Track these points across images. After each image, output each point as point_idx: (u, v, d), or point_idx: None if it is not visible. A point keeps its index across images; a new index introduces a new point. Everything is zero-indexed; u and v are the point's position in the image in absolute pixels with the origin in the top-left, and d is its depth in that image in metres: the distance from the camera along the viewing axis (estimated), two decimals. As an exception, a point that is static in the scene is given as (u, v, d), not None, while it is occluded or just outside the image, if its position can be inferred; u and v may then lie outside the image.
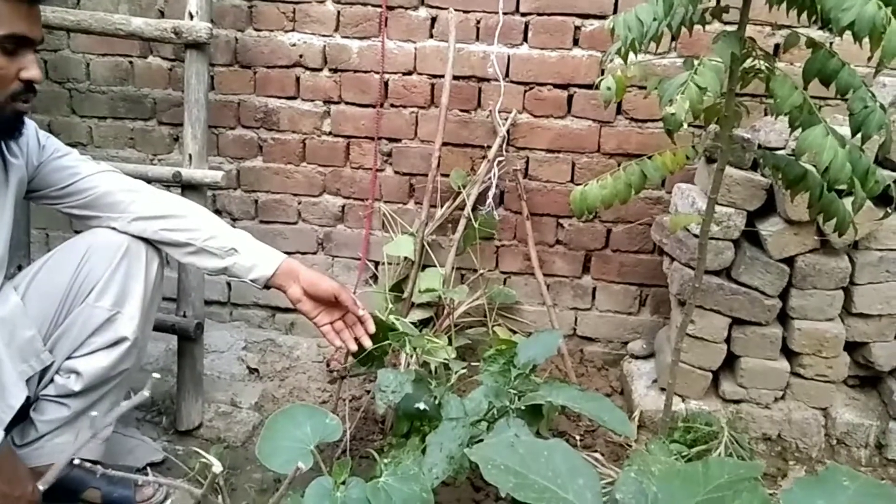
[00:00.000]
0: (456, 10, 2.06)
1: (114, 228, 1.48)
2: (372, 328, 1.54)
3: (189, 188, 1.92)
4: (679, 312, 1.91)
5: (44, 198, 1.50)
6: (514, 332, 2.22)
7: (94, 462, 1.27)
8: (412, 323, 1.95)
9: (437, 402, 1.47)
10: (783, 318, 1.89)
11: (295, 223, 2.32)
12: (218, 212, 2.33)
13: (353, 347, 1.54)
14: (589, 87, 2.08)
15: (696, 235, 1.75)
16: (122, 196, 1.50)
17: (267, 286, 1.51)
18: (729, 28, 1.45)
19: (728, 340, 1.90)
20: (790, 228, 1.78)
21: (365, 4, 2.11)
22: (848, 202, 1.40)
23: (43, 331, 1.43)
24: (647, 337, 2.20)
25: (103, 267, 1.44)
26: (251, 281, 1.51)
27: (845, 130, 1.32)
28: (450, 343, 1.92)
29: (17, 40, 1.22)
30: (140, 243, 1.49)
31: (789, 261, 1.82)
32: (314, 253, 2.33)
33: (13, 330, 1.38)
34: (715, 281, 1.85)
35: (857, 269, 1.83)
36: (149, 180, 2.11)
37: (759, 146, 1.83)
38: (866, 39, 1.14)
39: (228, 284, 2.38)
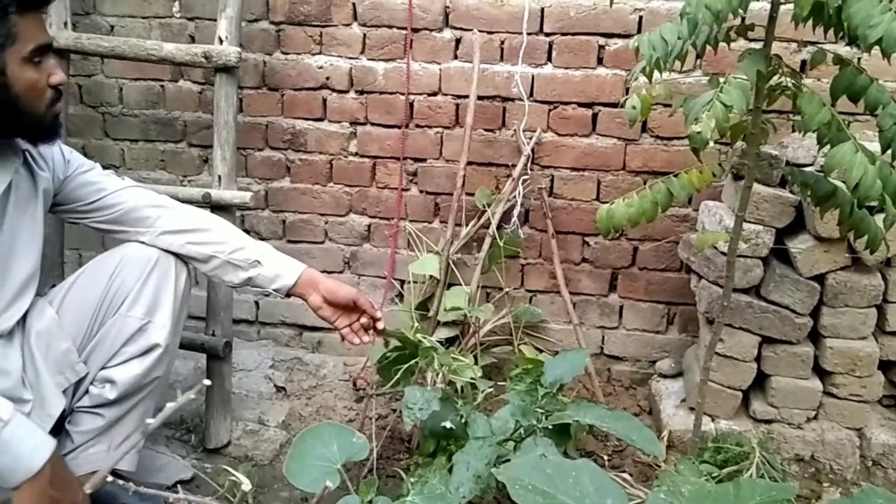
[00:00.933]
0: (480, 31, 2.08)
1: (142, 242, 1.52)
2: (382, 325, 1.59)
3: (218, 209, 1.96)
4: (707, 331, 1.89)
5: (71, 212, 1.54)
6: (541, 351, 2.21)
7: (126, 479, 1.29)
8: (438, 341, 1.95)
9: (463, 420, 1.47)
10: (815, 336, 1.86)
11: (322, 242, 2.35)
12: (247, 231, 2.35)
13: (367, 340, 1.59)
14: (614, 105, 2.08)
15: (723, 253, 1.74)
16: (148, 211, 1.54)
17: (288, 294, 1.56)
18: (754, 45, 1.45)
19: (758, 359, 1.87)
20: (820, 246, 1.75)
21: (390, 27, 2.14)
22: (879, 219, 1.38)
23: (77, 342, 1.48)
24: (675, 356, 2.18)
25: (134, 279, 1.48)
26: (274, 290, 1.55)
27: (875, 146, 1.31)
28: (476, 362, 1.92)
29: (41, 50, 1.27)
30: (169, 256, 1.53)
31: (820, 278, 1.80)
32: (341, 272, 2.35)
33: (49, 343, 1.43)
34: (744, 299, 1.83)
35: (890, 287, 1.80)
36: (179, 201, 2.16)
37: (787, 163, 1.81)
38: (895, 55, 1.13)
39: (256, 303, 2.41)
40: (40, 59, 1.28)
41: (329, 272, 2.35)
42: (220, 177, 1.98)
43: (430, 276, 2.14)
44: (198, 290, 2.30)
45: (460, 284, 2.16)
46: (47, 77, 1.29)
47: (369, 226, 2.31)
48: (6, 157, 1.35)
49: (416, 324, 2.09)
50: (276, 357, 2.32)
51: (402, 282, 2.31)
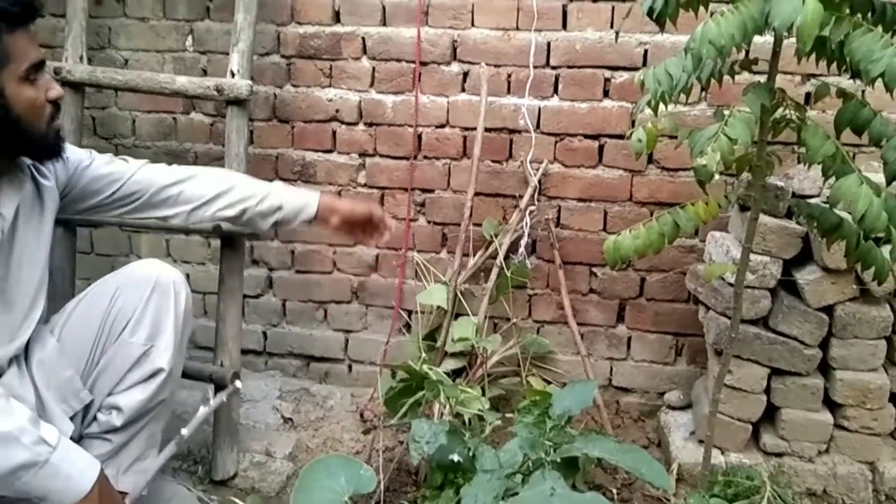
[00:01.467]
0: (487, 64, 2.11)
1: (165, 219, 1.59)
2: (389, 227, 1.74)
3: (228, 239, 1.97)
4: (716, 362, 1.88)
5: (93, 209, 1.54)
6: (549, 383, 2.20)
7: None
8: (445, 372, 1.95)
9: (471, 453, 1.46)
10: (824, 368, 1.85)
11: (330, 272, 2.36)
12: (255, 262, 2.38)
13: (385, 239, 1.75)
14: (620, 137, 2.10)
15: (731, 284, 1.73)
16: (170, 190, 1.57)
17: (310, 223, 1.67)
18: (759, 77, 1.47)
19: (767, 391, 1.86)
20: (828, 277, 1.75)
21: (399, 61, 2.18)
22: (886, 250, 1.38)
23: (81, 369, 1.49)
24: (683, 387, 2.16)
25: (134, 303, 1.49)
26: (300, 224, 1.67)
27: (881, 177, 1.32)
28: (483, 393, 1.91)
29: (36, 67, 1.28)
30: (168, 276, 1.53)
31: (828, 309, 1.79)
32: (348, 302, 2.36)
33: (52, 371, 1.44)
34: (752, 330, 1.82)
35: (899, 318, 1.79)
36: (190, 231, 2.18)
37: (793, 194, 1.82)
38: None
39: (264, 334, 2.42)
40: (35, 76, 1.28)
41: (337, 302, 2.36)
42: (230, 208, 2.00)
43: (438, 307, 2.14)
44: (207, 321, 2.32)
45: (468, 315, 2.17)
46: (45, 93, 1.30)
47: (377, 256, 2.32)
48: (14, 177, 1.36)
49: (424, 355, 2.10)
50: (283, 388, 2.32)
51: (410, 312, 2.31)
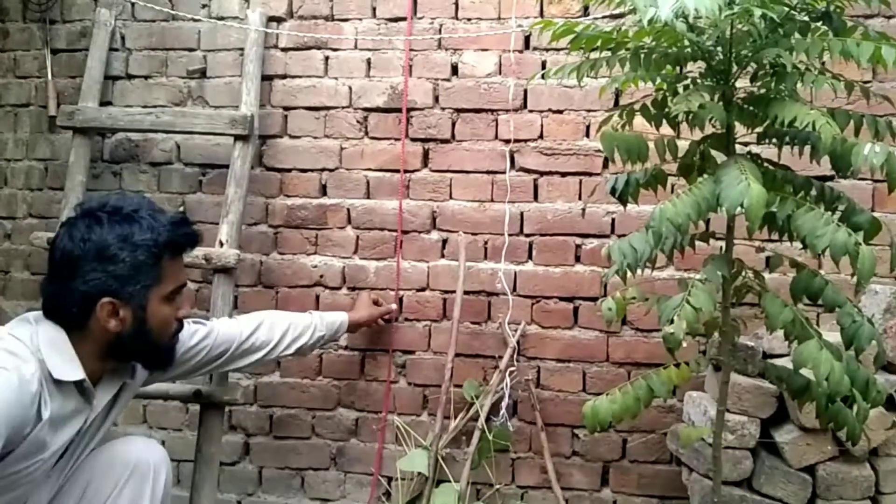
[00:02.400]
0: (465, 232, 2.23)
1: (240, 368, 1.83)
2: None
3: (209, 405, 1.96)
4: (704, 528, 1.84)
5: (179, 376, 1.65)
6: (534, 552, 2.11)
7: None
8: (427, 544, 1.88)
9: None
10: (814, 531, 1.81)
11: (308, 438, 2.32)
12: (233, 427, 2.34)
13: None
14: (593, 299, 2.19)
15: (711, 444, 1.74)
16: (247, 343, 1.73)
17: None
18: (721, 243, 1.56)
19: (759, 557, 1.80)
20: (805, 436, 1.77)
21: (382, 229, 2.29)
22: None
23: None
24: (674, 554, 2.09)
25: (108, 490, 1.45)
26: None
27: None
28: (467, 566, 1.83)
29: (179, 289, 1.38)
30: (149, 458, 1.50)
31: (811, 469, 1.79)
32: (326, 469, 2.30)
33: None
34: (736, 492, 1.80)
35: (881, 478, 1.79)
36: (169, 397, 2.16)
37: (764, 353, 1.88)
38: (845, 259, 1.24)
39: (238, 503, 2.33)
40: (177, 296, 1.39)
41: (315, 469, 2.31)
42: (211, 374, 2.01)
43: (419, 473, 2.10)
44: (179, 490, 2.23)
45: (449, 481, 2.12)
46: (177, 311, 1.40)
47: (357, 419, 2.30)
48: (117, 374, 1.41)
49: (405, 525, 2.03)
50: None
51: (390, 479, 2.26)
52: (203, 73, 2.39)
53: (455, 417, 2.20)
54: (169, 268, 1.33)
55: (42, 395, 1.23)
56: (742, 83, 1.46)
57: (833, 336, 1.41)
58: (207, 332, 1.64)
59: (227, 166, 2.22)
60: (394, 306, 2.22)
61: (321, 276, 2.32)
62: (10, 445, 1.19)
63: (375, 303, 2.21)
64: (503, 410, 2.17)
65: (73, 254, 1.27)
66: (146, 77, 2.41)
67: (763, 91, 1.43)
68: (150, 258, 1.29)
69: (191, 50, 2.39)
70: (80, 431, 1.36)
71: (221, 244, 2.09)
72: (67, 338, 1.29)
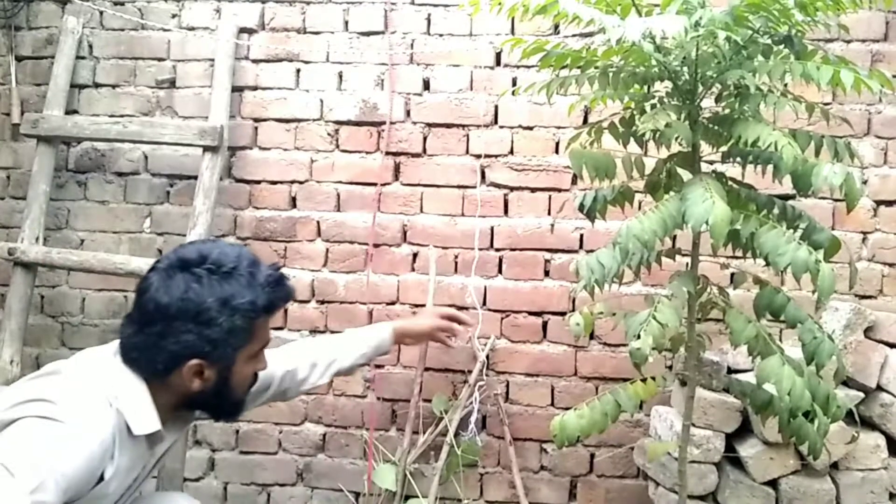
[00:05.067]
0: (436, 246, 2.23)
1: (283, 399, 1.72)
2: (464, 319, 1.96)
3: (172, 421, 1.93)
4: (670, 542, 1.85)
5: None
6: (502, 568, 2.11)
7: None
8: (394, 560, 1.86)
9: None
10: (776, 545, 1.84)
11: (275, 453, 2.29)
12: (198, 442, 2.30)
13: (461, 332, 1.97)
14: (562, 314, 2.20)
15: (677, 459, 1.76)
16: (289, 375, 1.61)
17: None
18: (687, 258, 1.59)
19: (723, 572, 1.82)
20: (768, 451, 1.80)
21: (352, 243, 2.29)
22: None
23: None
24: (640, 569, 2.10)
25: None
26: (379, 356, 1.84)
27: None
28: (434, 583, 1.82)
29: (265, 345, 1.34)
30: None
31: (774, 483, 1.82)
32: (293, 484, 2.27)
33: None
34: (702, 507, 1.83)
35: (841, 491, 1.83)
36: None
37: (729, 368, 1.91)
38: (806, 276, 1.27)
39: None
40: (261, 353, 1.34)
41: (281, 485, 2.27)
42: (176, 388, 1.97)
43: (387, 489, 2.09)
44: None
45: (418, 496, 2.11)
46: (257, 365, 1.34)
47: (324, 435, 2.28)
48: (181, 422, 1.36)
49: (372, 541, 2.01)
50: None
51: (358, 494, 2.24)
52: (172, 83, 2.36)
53: (424, 432, 2.19)
54: (261, 328, 1.29)
55: (114, 449, 1.18)
56: (707, 103, 1.50)
57: (795, 352, 1.44)
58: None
59: (195, 177, 2.19)
60: (466, 318, 1.94)
61: (290, 289, 2.30)
62: (73, 499, 1.14)
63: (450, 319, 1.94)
64: (472, 425, 2.16)
65: (168, 311, 1.19)
66: (114, 86, 2.38)
67: (727, 111, 1.46)
68: (246, 323, 1.24)
69: (160, 59, 2.37)
70: (136, 478, 1.32)
71: (188, 256, 2.06)
72: (147, 388, 1.23)
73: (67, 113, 2.29)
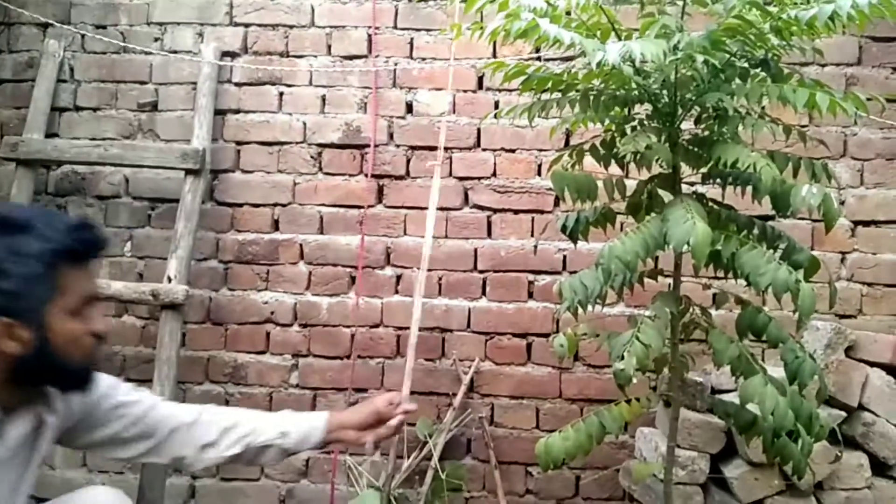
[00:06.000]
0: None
1: (178, 460, 1.46)
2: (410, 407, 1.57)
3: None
4: (657, 565, 1.84)
5: (102, 443, 1.42)
6: None
7: None
8: (379, 589, 1.83)
9: None
10: (763, 567, 1.83)
11: (257, 480, 2.25)
12: (178, 470, 2.25)
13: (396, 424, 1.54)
14: (546, 335, 2.20)
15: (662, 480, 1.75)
16: (185, 428, 1.45)
17: (324, 445, 1.53)
18: (669, 279, 1.59)
19: None
20: (753, 471, 1.79)
21: (335, 265, 2.28)
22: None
23: None
24: None
25: None
26: (309, 450, 1.53)
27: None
28: None
29: (87, 301, 1.24)
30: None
31: (760, 504, 1.81)
32: (276, 511, 2.24)
33: None
34: (688, 529, 1.81)
35: (826, 511, 1.83)
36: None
37: (712, 389, 1.91)
38: (787, 296, 1.28)
39: (182, 550, 2.24)
40: (85, 310, 1.24)
41: (264, 512, 2.23)
42: (156, 413, 1.94)
43: (371, 514, 2.06)
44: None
45: (402, 522, 2.08)
46: (88, 325, 1.24)
47: (307, 460, 2.25)
48: (33, 407, 1.27)
49: (356, 569, 1.97)
50: None
51: (342, 520, 2.20)
52: (154, 107, 2.36)
53: (408, 457, 2.16)
54: (70, 278, 1.19)
55: None
56: (687, 125, 1.52)
57: (777, 371, 1.44)
58: (146, 398, 1.47)
59: (177, 200, 2.18)
60: (408, 406, 1.57)
61: (272, 313, 2.28)
62: None
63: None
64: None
65: None
66: (95, 109, 2.37)
67: (707, 133, 1.48)
68: (46, 270, 1.16)
69: (142, 83, 2.36)
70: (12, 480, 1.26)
71: (170, 279, 2.05)
72: None
73: (48, 136, 2.28)
